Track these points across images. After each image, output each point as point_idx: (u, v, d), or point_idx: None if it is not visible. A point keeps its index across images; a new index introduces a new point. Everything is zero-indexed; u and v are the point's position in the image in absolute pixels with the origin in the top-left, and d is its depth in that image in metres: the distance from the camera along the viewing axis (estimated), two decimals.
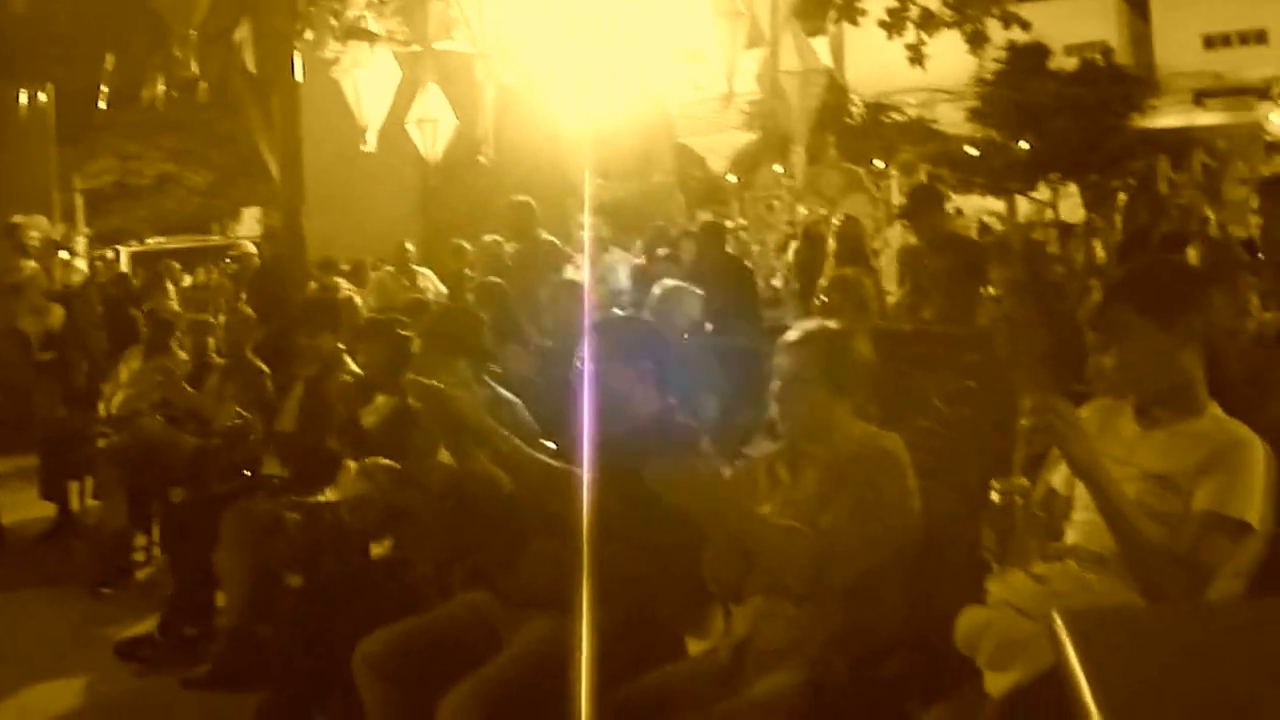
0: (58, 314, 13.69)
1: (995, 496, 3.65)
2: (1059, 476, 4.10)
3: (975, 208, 29.00)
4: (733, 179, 28.83)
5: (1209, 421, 3.92)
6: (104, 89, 10.36)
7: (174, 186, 21.87)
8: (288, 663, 6.13)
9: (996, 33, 16.74)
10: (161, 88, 10.41)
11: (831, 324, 4.98)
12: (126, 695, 7.57)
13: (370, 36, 12.63)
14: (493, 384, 6.19)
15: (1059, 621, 1.61)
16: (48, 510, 11.37)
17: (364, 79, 12.56)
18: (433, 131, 12.98)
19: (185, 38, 9.34)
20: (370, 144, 12.56)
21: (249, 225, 20.08)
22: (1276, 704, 1.43)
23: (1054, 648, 1.59)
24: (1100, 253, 14.47)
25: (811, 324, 4.94)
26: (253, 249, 16.22)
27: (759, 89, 12.73)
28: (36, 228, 15.81)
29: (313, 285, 12.13)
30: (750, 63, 12.39)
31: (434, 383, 5.12)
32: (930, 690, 4.38)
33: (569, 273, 10.85)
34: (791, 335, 4.84)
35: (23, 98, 11.51)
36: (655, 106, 15.17)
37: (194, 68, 9.49)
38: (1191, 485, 3.77)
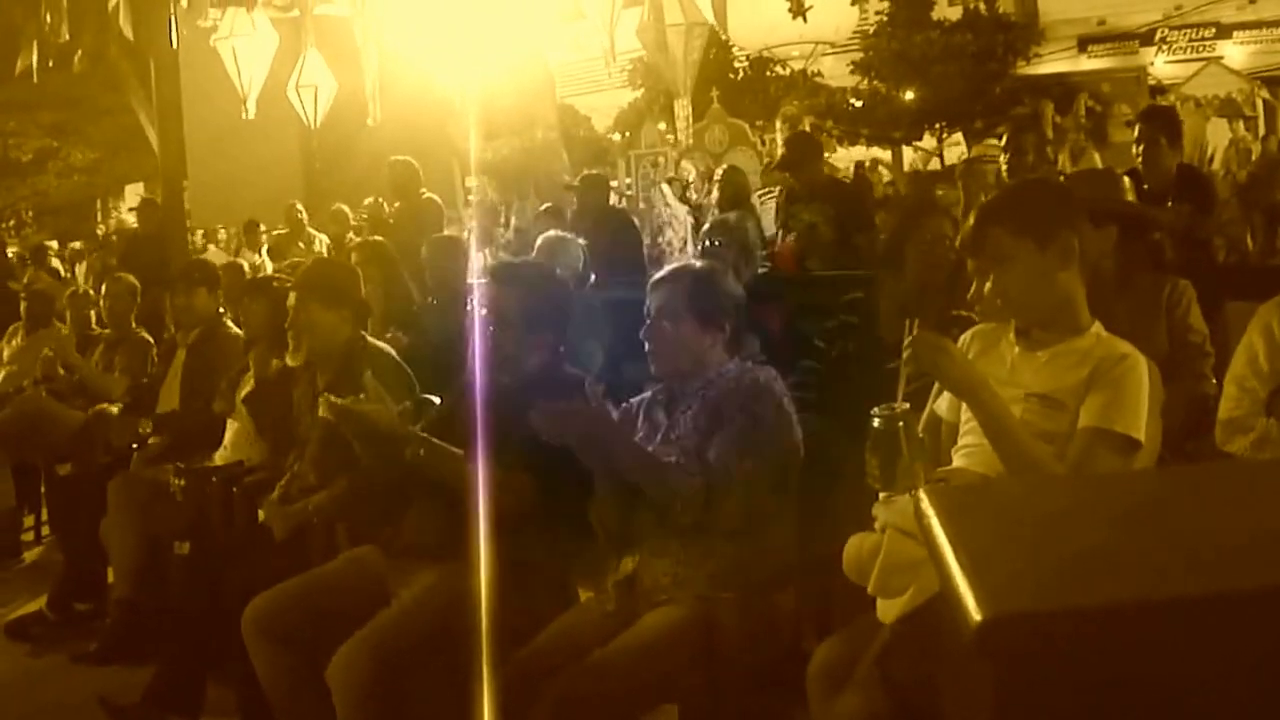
0: None
1: (877, 422, 3.65)
2: (944, 403, 4.12)
3: (861, 158, 29.21)
4: (617, 137, 28.82)
5: (1091, 339, 3.93)
6: None
7: (55, 163, 21.61)
8: (179, 632, 6.09)
9: None
10: (36, 57, 10.25)
11: (697, 262, 5.08)
12: (18, 674, 7.46)
13: (248, 2, 12.47)
14: (364, 335, 6.19)
15: (924, 497, 1.62)
16: None
17: (242, 46, 12.41)
18: (314, 97, 12.83)
19: (57, 3, 9.22)
20: (250, 112, 12.43)
21: (132, 201, 19.87)
22: (1140, 556, 1.45)
23: (919, 522, 1.60)
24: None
25: (678, 263, 4.99)
26: (131, 222, 16.08)
27: (641, 45, 12.69)
28: None
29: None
30: (632, 19, 12.36)
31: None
32: (823, 623, 4.42)
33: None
34: (658, 275, 4.91)
35: None
36: (536, 65, 15.12)
37: (65, 33, 9.36)
38: (1076, 402, 3.79)
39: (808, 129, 24.37)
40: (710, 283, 4.82)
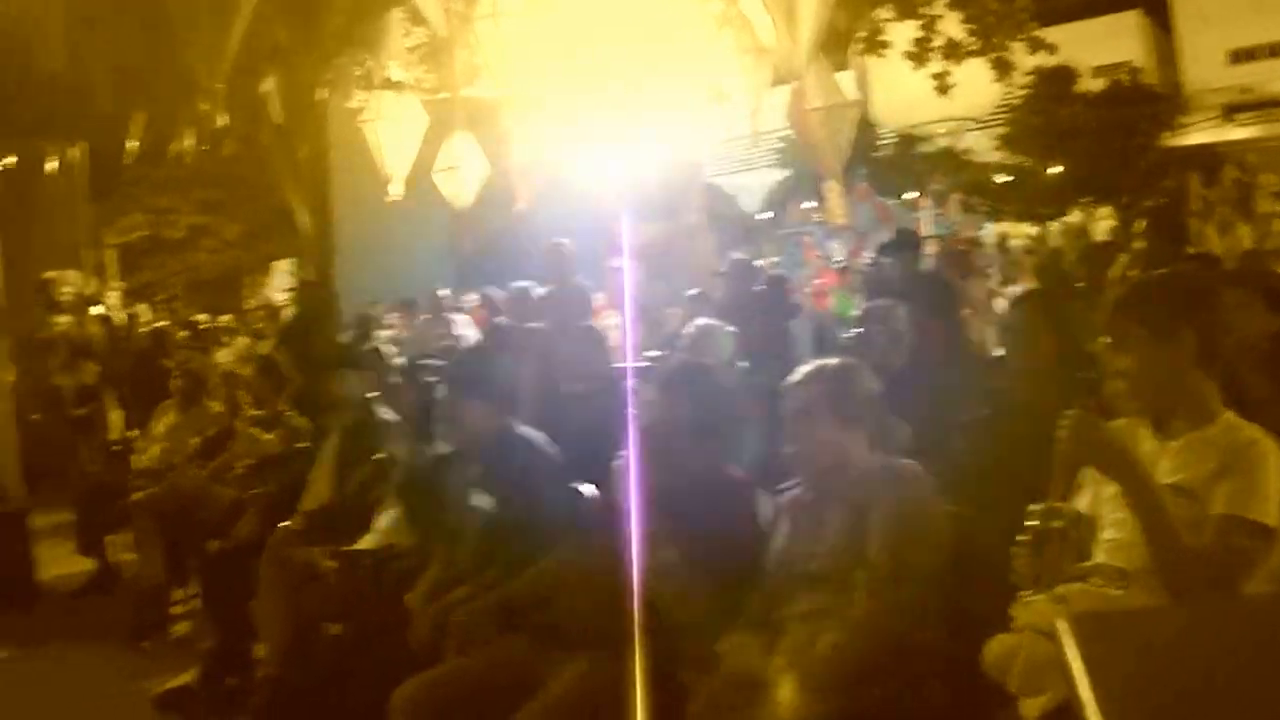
0: (90, 369, 13.76)
1: (1030, 521, 3.64)
2: (1085, 498, 4.09)
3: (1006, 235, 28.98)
4: (764, 217, 28.80)
5: (1222, 427, 3.90)
6: (133, 145, 10.46)
7: (206, 239, 21.95)
8: (327, 711, 6.14)
9: (1022, 58, 16.74)
10: (190, 142, 10.49)
11: (833, 361, 5.05)
12: None
13: (397, 86, 12.65)
14: (513, 424, 6.19)
15: (1061, 624, 1.62)
16: (86, 565, 11.44)
17: (389, 128, 12.56)
18: (460, 179, 12.95)
19: (213, 91, 9.41)
20: (395, 193, 12.58)
21: (279, 278, 20.16)
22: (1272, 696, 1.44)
23: (1056, 649, 1.60)
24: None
25: (813, 363, 4.98)
26: (279, 300, 16.28)
27: (786, 125, 12.71)
28: (68, 283, 15.95)
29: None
30: (777, 99, 12.40)
31: None
32: (970, 715, 4.38)
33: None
34: (795, 375, 4.90)
35: (54, 156, 11.65)
36: (683, 146, 15.18)
37: (222, 121, 9.56)
38: (1209, 492, 3.76)
39: (957, 206, 24.32)
40: (847, 381, 4.83)
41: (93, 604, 10.97)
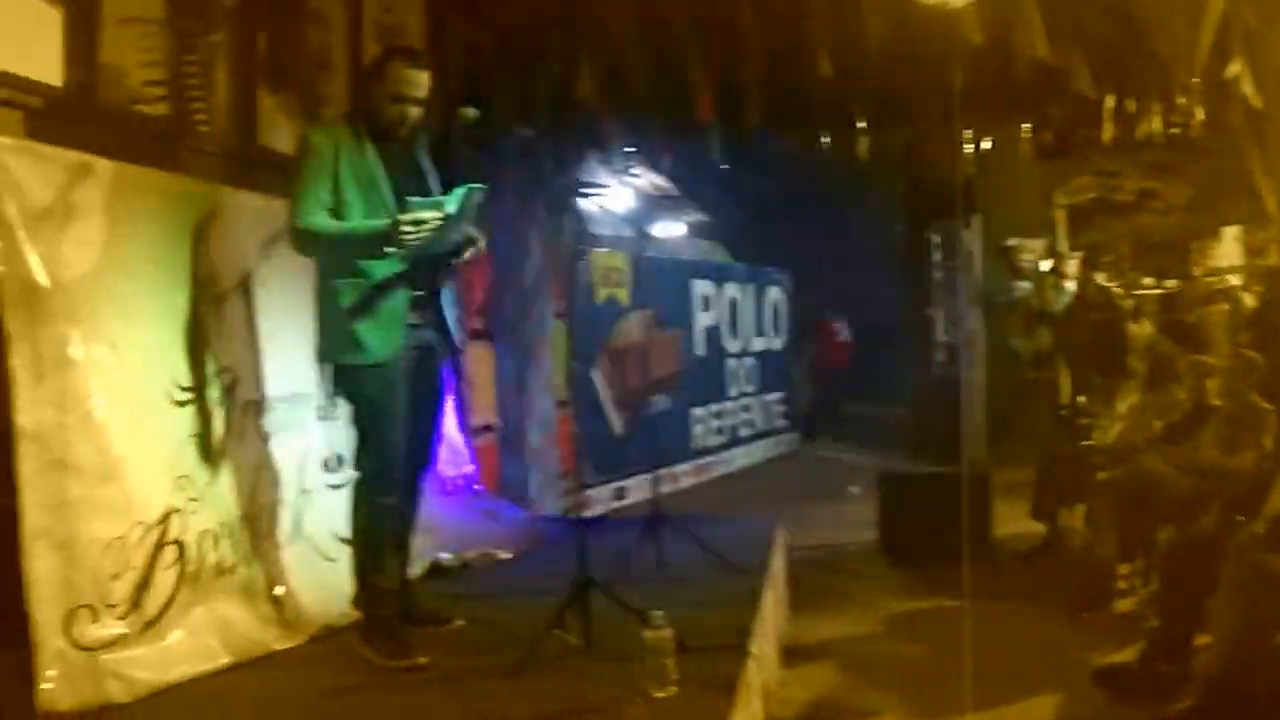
0: (1046, 335, 14.19)
1: None
2: None
3: None
4: None
5: None
6: (1106, 126, 10.80)
7: (1153, 202, 21.83)
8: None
9: None
10: (1158, 125, 10.71)
11: None
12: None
13: None
14: None
15: None
16: (1036, 528, 11.92)
17: None
18: None
19: (1189, 85, 9.60)
20: None
21: (1228, 245, 19.77)
22: None
23: None
24: None
25: None
26: (1235, 283, 16.00)
27: None
28: (1028, 250, 16.54)
29: None
30: None
31: None
32: None
33: None
34: None
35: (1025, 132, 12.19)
36: None
37: (1198, 113, 9.76)
38: None
39: None
40: None
41: (1039, 567, 11.53)
